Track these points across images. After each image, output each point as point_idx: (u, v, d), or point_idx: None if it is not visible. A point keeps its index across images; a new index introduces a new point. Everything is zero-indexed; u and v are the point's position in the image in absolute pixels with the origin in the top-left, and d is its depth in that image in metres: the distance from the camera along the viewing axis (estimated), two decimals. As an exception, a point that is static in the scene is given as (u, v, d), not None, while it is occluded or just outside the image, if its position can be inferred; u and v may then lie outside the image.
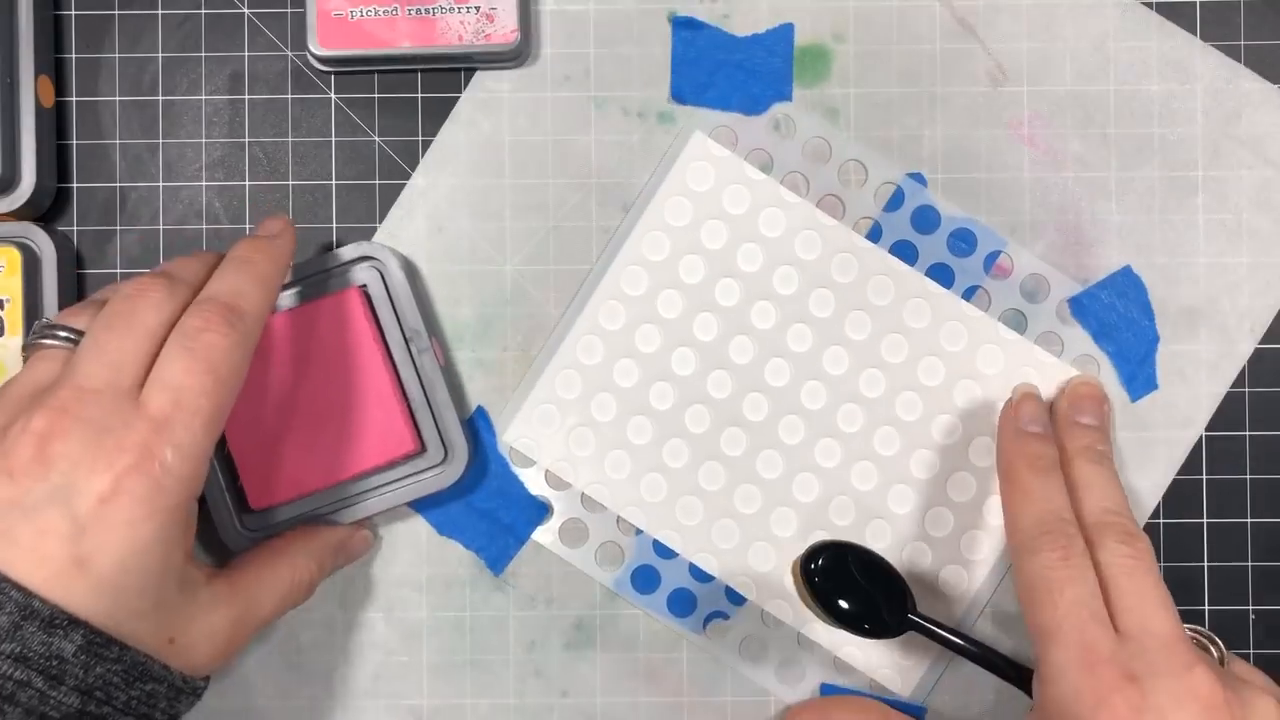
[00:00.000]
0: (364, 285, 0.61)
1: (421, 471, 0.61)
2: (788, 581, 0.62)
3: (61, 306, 0.61)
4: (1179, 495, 0.63)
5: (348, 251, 0.61)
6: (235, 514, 0.60)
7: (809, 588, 0.61)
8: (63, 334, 0.51)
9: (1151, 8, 0.63)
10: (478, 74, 0.63)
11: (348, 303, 0.60)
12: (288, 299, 0.61)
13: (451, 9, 0.61)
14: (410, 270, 0.62)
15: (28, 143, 0.60)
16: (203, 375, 0.49)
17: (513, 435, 0.63)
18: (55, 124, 0.63)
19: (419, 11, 0.61)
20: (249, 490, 0.59)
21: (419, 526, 0.63)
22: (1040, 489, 0.56)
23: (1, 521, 0.46)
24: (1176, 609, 0.53)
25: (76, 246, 0.63)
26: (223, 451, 0.60)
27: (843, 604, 0.60)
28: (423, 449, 0.61)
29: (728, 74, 0.63)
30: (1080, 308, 0.62)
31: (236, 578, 0.55)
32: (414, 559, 0.63)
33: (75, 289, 0.63)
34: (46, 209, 0.63)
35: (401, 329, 0.61)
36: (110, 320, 0.50)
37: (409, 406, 0.60)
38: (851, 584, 0.60)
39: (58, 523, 0.46)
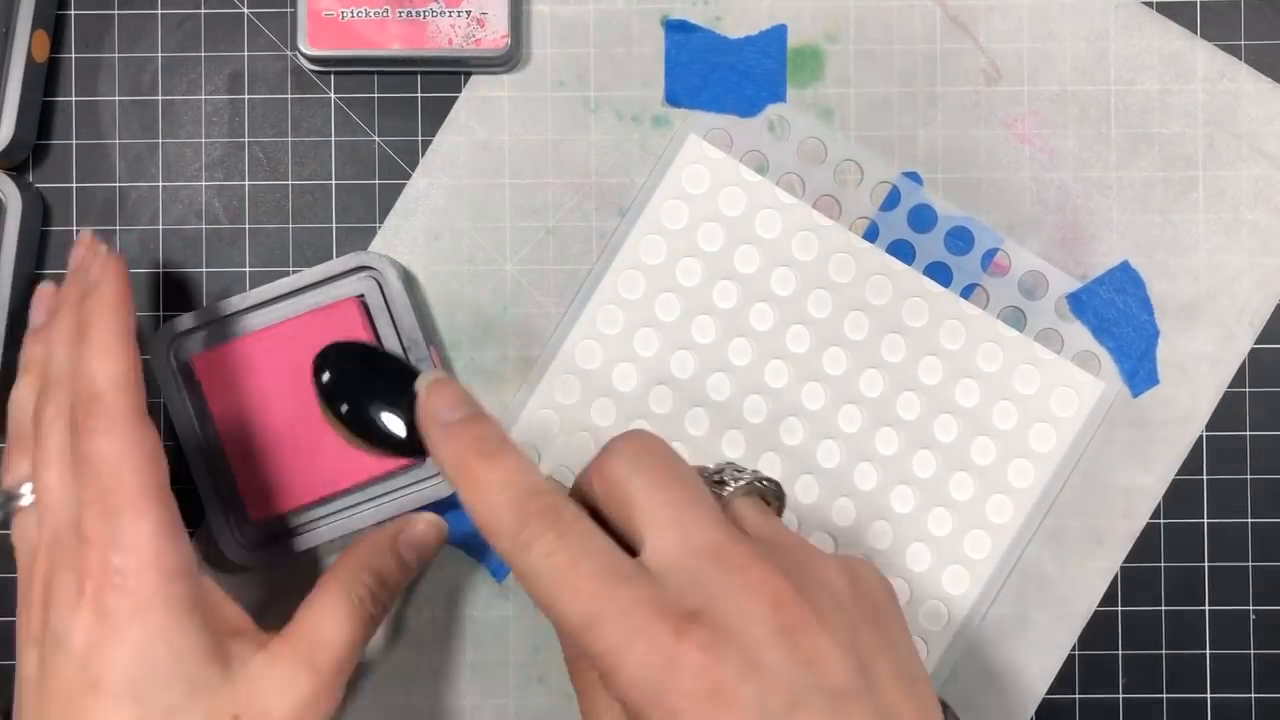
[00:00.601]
0: (361, 295, 0.61)
1: (421, 480, 0.61)
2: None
3: (20, 259, 0.61)
4: (1179, 495, 0.62)
5: (344, 261, 0.60)
6: (235, 528, 0.60)
7: (325, 400, 0.52)
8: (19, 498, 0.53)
9: (1151, 7, 0.63)
10: (473, 78, 0.63)
11: (345, 313, 0.60)
12: (285, 310, 0.60)
13: (442, 12, 0.61)
14: (407, 279, 0.62)
15: (11, 92, 0.60)
16: (113, 481, 0.49)
17: (428, 380, 0.62)
18: (45, 79, 0.63)
19: (409, 14, 0.61)
20: (248, 502, 0.59)
21: (422, 534, 0.63)
22: (497, 471, 0.45)
23: (32, 688, 0.49)
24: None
25: (46, 202, 0.63)
26: (221, 465, 0.60)
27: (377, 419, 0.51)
28: (422, 458, 0.61)
29: (721, 76, 0.63)
30: (1079, 304, 0.62)
31: (291, 627, 0.53)
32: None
33: (37, 244, 0.63)
34: (21, 161, 0.63)
35: (400, 339, 0.60)
36: (37, 460, 0.51)
37: None
38: (370, 393, 0.51)
39: (64, 667, 0.48)
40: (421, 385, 0.49)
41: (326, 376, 0.51)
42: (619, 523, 0.46)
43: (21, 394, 0.56)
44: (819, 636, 0.42)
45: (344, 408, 0.51)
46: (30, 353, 0.57)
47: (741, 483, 0.49)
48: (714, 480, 0.49)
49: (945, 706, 0.47)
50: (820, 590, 0.44)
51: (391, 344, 0.60)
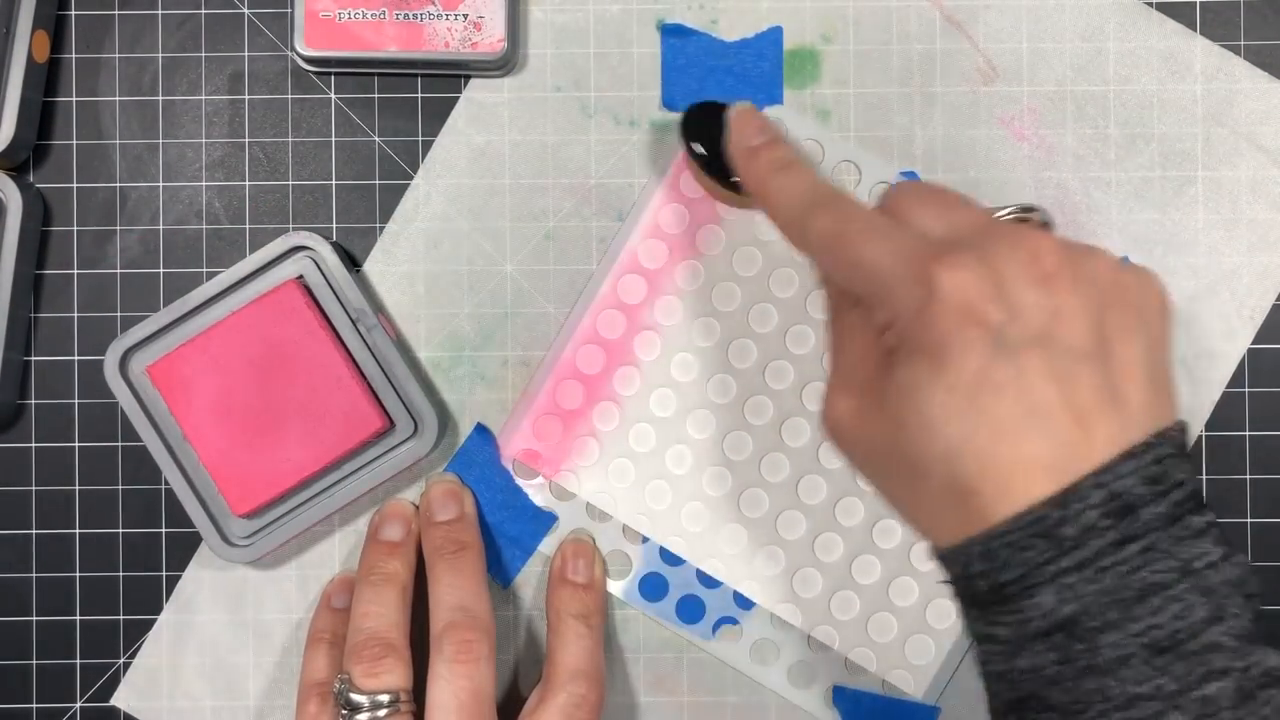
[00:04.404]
0: (300, 275, 0.61)
1: (395, 447, 0.61)
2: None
3: (20, 260, 0.61)
4: None
5: (276, 246, 0.60)
6: (222, 527, 0.60)
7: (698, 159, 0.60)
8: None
9: (1150, 6, 0.62)
10: (471, 81, 0.62)
11: (287, 296, 0.60)
12: (229, 304, 0.60)
13: (439, 15, 0.60)
14: (344, 254, 0.62)
15: (12, 93, 0.60)
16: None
17: (515, 448, 0.62)
18: (45, 79, 0.62)
19: (406, 16, 0.60)
20: (229, 499, 0.59)
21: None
22: (788, 180, 0.54)
23: None
24: None
25: (47, 203, 0.63)
26: (195, 468, 0.60)
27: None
28: (391, 425, 0.61)
29: (718, 79, 0.62)
30: None
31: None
32: (422, 573, 0.62)
33: (37, 244, 0.62)
34: (22, 161, 0.62)
35: (346, 310, 0.60)
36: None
37: (369, 385, 0.60)
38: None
39: None
40: (731, 113, 0.57)
41: (688, 126, 0.60)
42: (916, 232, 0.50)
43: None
44: (1069, 295, 0.44)
45: (697, 148, 0.60)
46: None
47: (1006, 212, 0.54)
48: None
49: (1185, 425, 0.47)
50: (1084, 265, 0.46)
51: (338, 317, 0.60)
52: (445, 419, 0.62)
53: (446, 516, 0.60)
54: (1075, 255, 0.46)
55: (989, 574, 0.43)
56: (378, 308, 0.62)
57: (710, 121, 0.58)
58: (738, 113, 0.57)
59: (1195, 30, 0.62)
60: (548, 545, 0.62)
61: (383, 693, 0.55)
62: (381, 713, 0.55)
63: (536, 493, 0.63)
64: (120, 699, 0.62)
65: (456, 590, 0.58)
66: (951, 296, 0.44)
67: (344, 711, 0.55)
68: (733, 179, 0.57)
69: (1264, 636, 0.43)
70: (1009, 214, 0.53)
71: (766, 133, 0.56)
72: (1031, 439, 0.43)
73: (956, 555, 0.44)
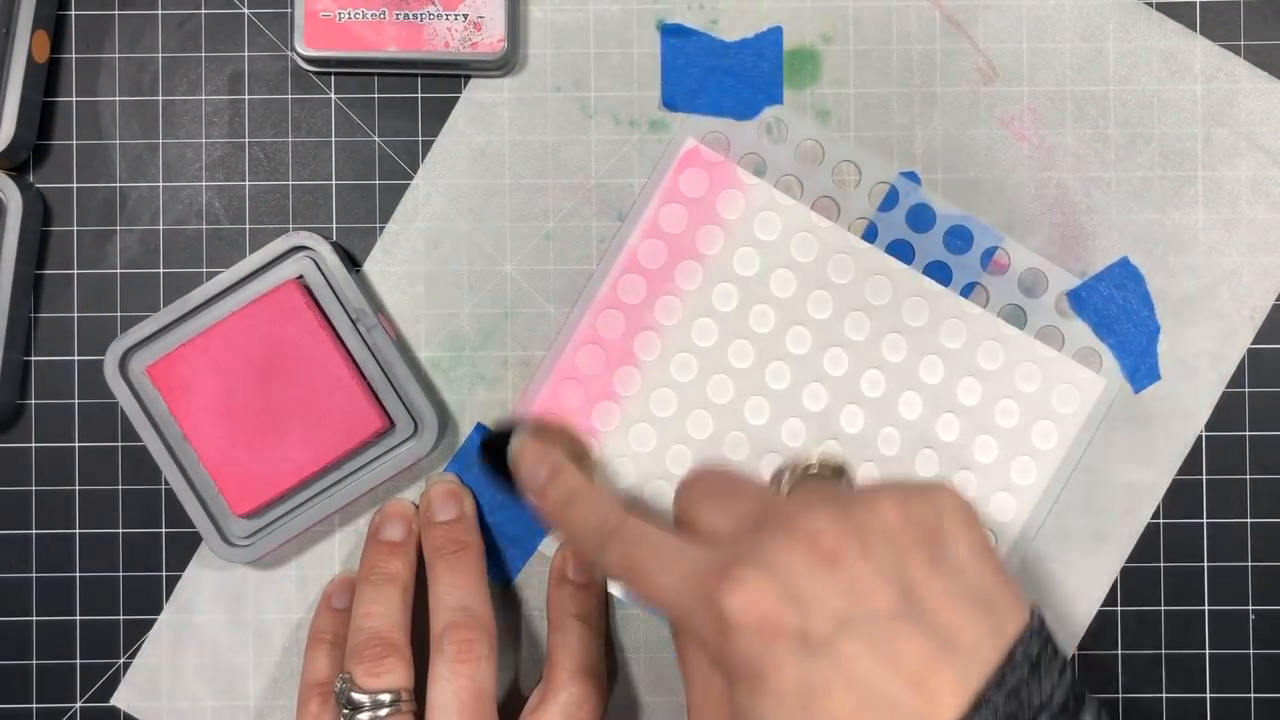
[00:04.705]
0: (300, 276, 0.61)
1: (395, 447, 0.61)
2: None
3: (20, 260, 0.61)
4: (1179, 495, 0.62)
5: (277, 246, 0.60)
6: (222, 527, 0.60)
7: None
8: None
9: (1152, 7, 0.62)
10: (471, 81, 0.62)
11: (287, 296, 0.59)
12: (229, 304, 0.60)
13: (439, 15, 0.60)
14: (344, 254, 0.62)
15: (12, 93, 0.60)
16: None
17: (516, 449, 0.63)
18: (45, 79, 0.62)
19: (406, 16, 0.60)
20: (229, 499, 0.59)
21: (425, 543, 0.62)
22: (577, 514, 0.53)
23: None
24: None
25: (47, 203, 0.63)
26: (195, 468, 0.60)
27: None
28: (391, 425, 0.60)
29: (718, 79, 0.62)
30: (1079, 301, 0.61)
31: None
32: (422, 575, 0.61)
33: (37, 244, 0.62)
34: (22, 161, 0.62)
35: (346, 311, 0.60)
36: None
37: (369, 385, 0.60)
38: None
39: None
40: (513, 452, 0.57)
41: (487, 453, 0.59)
42: (703, 535, 0.50)
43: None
44: (858, 565, 0.44)
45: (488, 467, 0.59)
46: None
47: (792, 470, 0.55)
48: (773, 479, 0.56)
49: (1040, 615, 0.45)
50: (866, 523, 0.45)
51: (338, 317, 0.60)
52: (445, 419, 0.62)
53: (446, 516, 0.60)
54: (854, 519, 0.45)
55: None
56: (378, 308, 0.62)
57: (498, 450, 0.59)
58: (517, 453, 0.56)
59: (1195, 30, 0.62)
60: (548, 545, 0.62)
61: (384, 692, 0.55)
62: (383, 712, 0.55)
63: (536, 493, 0.63)
64: (120, 699, 0.62)
65: (457, 590, 0.58)
66: (743, 617, 0.43)
67: (345, 711, 0.55)
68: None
69: None
70: (798, 475, 0.54)
71: (549, 464, 0.55)
72: None
73: None
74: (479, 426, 0.62)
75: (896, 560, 0.44)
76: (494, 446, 0.58)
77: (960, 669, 0.42)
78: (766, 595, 0.43)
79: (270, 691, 0.63)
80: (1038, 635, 0.44)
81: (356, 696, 0.55)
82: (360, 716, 0.55)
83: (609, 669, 0.62)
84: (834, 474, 0.55)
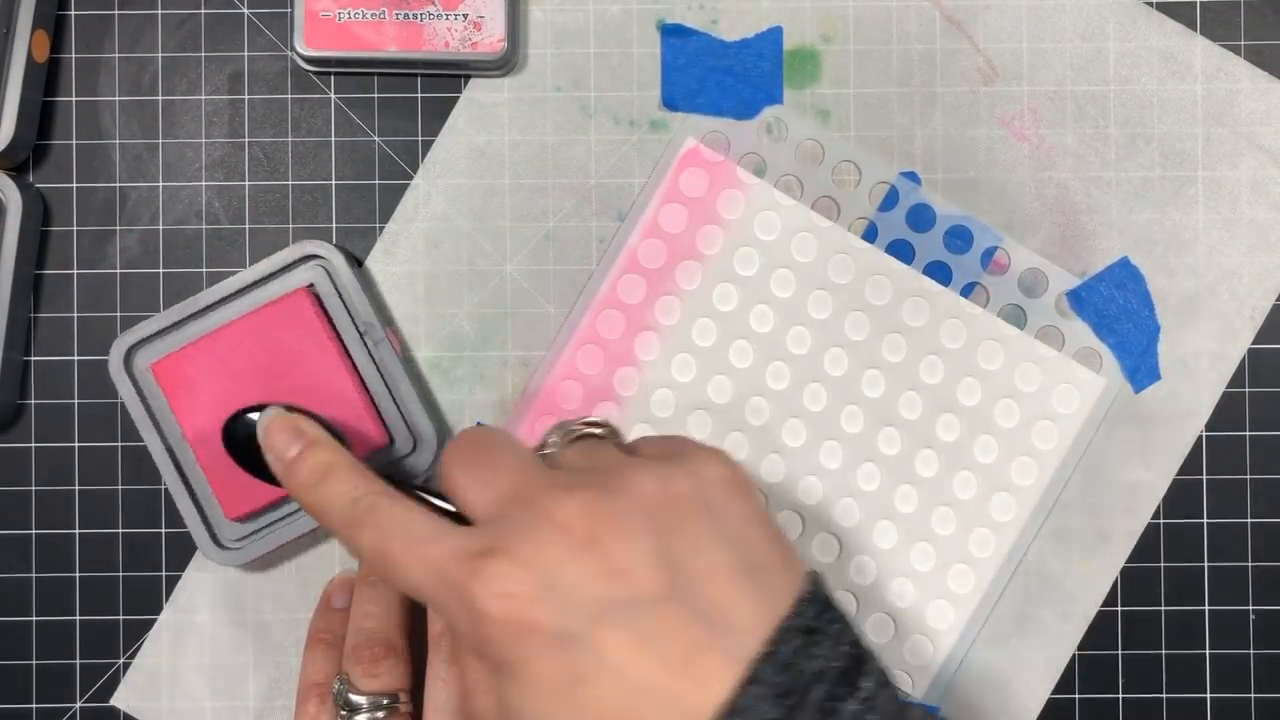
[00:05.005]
0: (311, 284, 0.60)
1: (391, 463, 0.60)
2: None
3: (20, 260, 0.61)
4: (1179, 495, 0.62)
5: (290, 252, 0.60)
6: (213, 529, 0.60)
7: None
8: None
9: (1151, 7, 0.62)
10: (471, 81, 0.62)
11: (297, 304, 0.59)
12: (238, 307, 0.60)
13: (439, 15, 0.60)
14: (356, 264, 0.62)
15: (12, 93, 0.60)
16: None
17: (266, 420, 0.62)
18: (45, 79, 0.62)
19: (406, 16, 0.60)
20: (223, 502, 0.59)
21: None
22: (324, 495, 0.51)
23: None
24: None
25: (46, 203, 0.63)
26: (192, 468, 0.60)
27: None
28: (390, 441, 0.60)
29: (718, 79, 0.62)
30: (1079, 301, 0.61)
31: None
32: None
33: (37, 244, 0.62)
34: (22, 161, 0.62)
35: (355, 323, 0.60)
36: None
37: (372, 400, 0.60)
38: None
39: None
40: (260, 428, 0.54)
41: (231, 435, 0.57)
42: (460, 508, 0.48)
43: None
44: (617, 547, 0.42)
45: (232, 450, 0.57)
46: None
47: (561, 434, 0.51)
48: (540, 447, 0.52)
49: (817, 579, 0.44)
50: (626, 502, 0.44)
51: (345, 328, 0.60)
52: (444, 436, 0.62)
53: None
54: (609, 501, 0.44)
55: None
56: (386, 321, 0.61)
57: (244, 421, 0.57)
58: (267, 426, 0.54)
59: (1195, 30, 0.62)
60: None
61: (381, 694, 0.55)
62: (380, 714, 0.54)
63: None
64: (120, 699, 0.62)
65: None
66: (496, 612, 0.42)
67: (343, 712, 0.55)
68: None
69: None
70: (560, 438, 0.52)
71: (301, 438, 0.53)
72: (645, 714, 0.41)
73: None
74: (478, 425, 0.62)
75: (658, 539, 0.43)
76: (237, 429, 0.56)
77: (729, 649, 0.41)
78: (520, 589, 0.42)
79: (270, 691, 0.62)
80: (812, 602, 0.43)
81: (354, 698, 0.55)
82: (358, 718, 0.54)
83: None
84: (606, 434, 0.52)
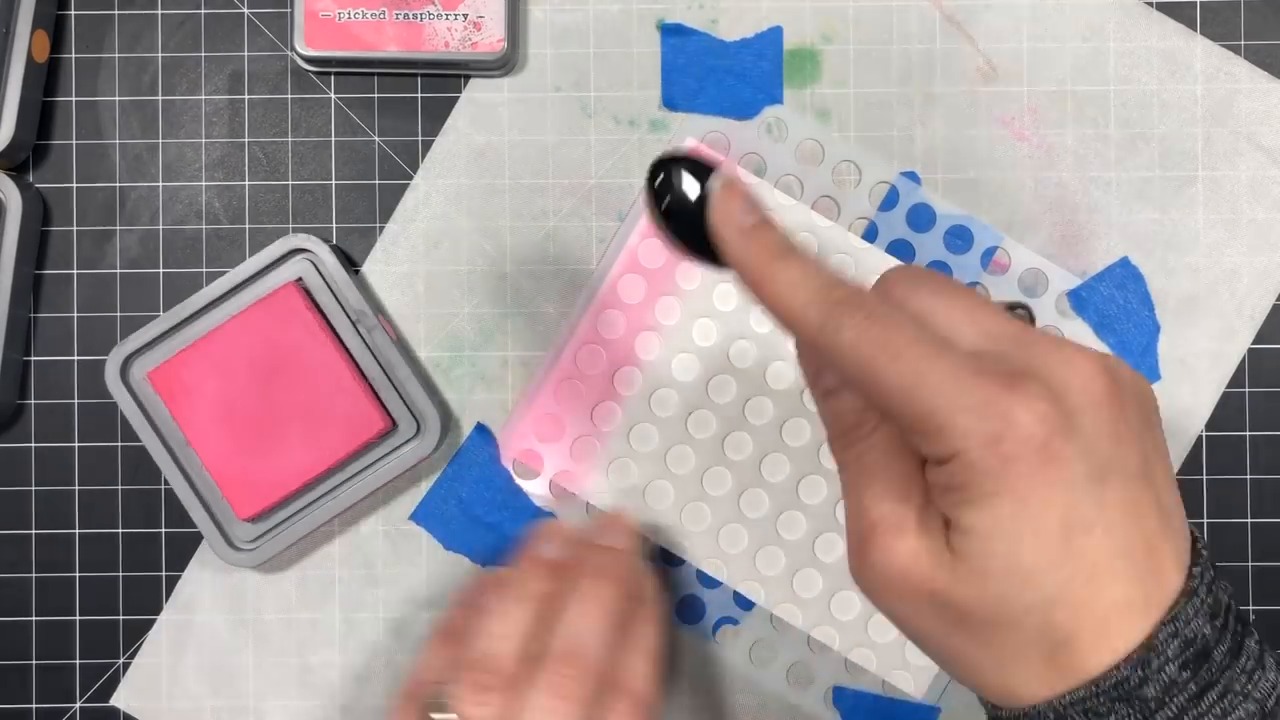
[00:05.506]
0: (299, 278, 0.61)
1: (398, 448, 0.61)
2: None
3: (20, 260, 0.61)
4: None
5: (275, 249, 0.60)
6: (226, 531, 0.60)
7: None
8: None
9: (1150, 5, 0.62)
10: (472, 81, 0.62)
11: (287, 298, 0.60)
12: (228, 308, 0.60)
13: (439, 15, 0.60)
14: (342, 255, 0.62)
15: (12, 93, 0.60)
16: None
17: (516, 448, 0.62)
18: (45, 79, 0.62)
19: (406, 16, 0.60)
20: (233, 503, 0.59)
21: (426, 542, 0.62)
22: (795, 270, 0.43)
23: None
24: None
25: (46, 203, 0.63)
26: (199, 472, 0.60)
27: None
28: (394, 426, 0.60)
29: (718, 79, 0.62)
30: (1080, 301, 0.61)
31: None
32: (421, 574, 0.62)
33: (37, 244, 0.62)
34: (22, 161, 0.62)
35: (346, 312, 0.60)
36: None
37: (371, 387, 0.60)
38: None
39: None
40: (714, 188, 0.46)
41: (658, 180, 0.47)
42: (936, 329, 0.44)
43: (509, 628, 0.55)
44: (1122, 416, 0.41)
45: (664, 212, 0.47)
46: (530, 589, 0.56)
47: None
48: None
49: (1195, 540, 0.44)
50: (1126, 374, 0.43)
51: (338, 319, 0.60)
52: (448, 418, 0.62)
53: (608, 542, 0.59)
54: (1116, 368, 0.42)
55: None
56: (377, 309, 0.62)
57: (679, 177, 0.47)
58: (725, 184, 0.46)
59: (1195, 30, 0.62)
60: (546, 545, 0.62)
61: None
62: None
63: (537, 493, 0.63)
64: (120, 699, 0.62)
65: (577, 618, 0.55)
66: (1028, 432, 0.39)
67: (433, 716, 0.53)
68: (713, 252, 0.46)
69: None
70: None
71: (757, 211, 0.45)
72: (1122, 579, 0.40)
73: (1041, 715, 0.41)
74: (479, 426, 0.62)
75: (1142, 426, 0.42)
76: (668, 176, 0.47)
77: (1176, 545, 0.41)
78: (1054, 418, 0.40)
79: (270, 691, 0.62)
80: (1203, 535, 0.43)
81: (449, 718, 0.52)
82: None
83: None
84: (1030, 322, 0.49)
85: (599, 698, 0.53)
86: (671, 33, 0.62)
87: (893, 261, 0.61)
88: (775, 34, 0.62)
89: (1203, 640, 0.40)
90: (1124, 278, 0.61)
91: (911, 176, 0.62)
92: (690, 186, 0.46)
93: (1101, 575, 0.40)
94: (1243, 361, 0.62)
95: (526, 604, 0.55)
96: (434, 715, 0.53)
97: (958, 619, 0.42)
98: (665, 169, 0.47)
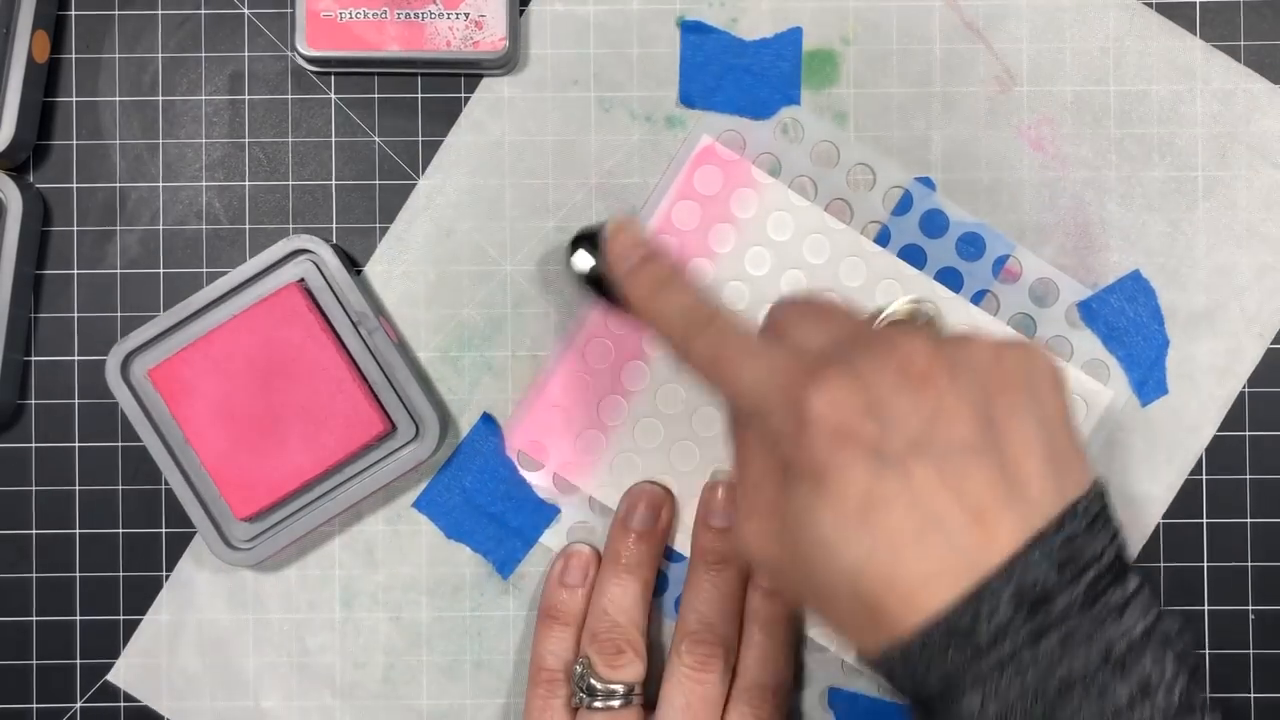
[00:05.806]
0: (301, 279, 0.60)
1: (397, 450, 0.60)
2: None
3: (21, 260, 0.60)
4: (1179, 495, 0.62)
5: (278, 249, 0.60)
6: (224, 530, 0.60)
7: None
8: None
9: (1152, 8, 0.61)
10: (485, 78, 0.62)
11: (289, 299, 0.59)
12: (230, 308, 0.60)
13: (440, 14, 0.59)
14: (344, 256, 0.61)
15: (12, 94, 0.59)
16: None
17: (521, 439, 0.62)
18: (45, 79, 0.61)
19: (408, 15, 0.59)
20: (231, 502, 0.59)
21: (427, 530, 0.62)
22: (667, 300, 0.53)
23: None
24: None
25: (46, 203, 0.62)
26: (198, 471, 0.60)
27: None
28: (393, 428, 0.60)
29: (736, 78, 0.62)
30: (1089, 312, 0.61)
31: None
32: (422, 562, 0.62)
33: (37, 244, 0.62)
34: (22, 161, 0.62)
35: (347, 314, 0.60)
36: None
37: (371, 389, 0.60)
38: None
39: None
40: (609, 229, 0.56)
41: (573, 254, 0.57)
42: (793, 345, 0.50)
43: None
44: (946, 393, 0.44)
45: (582, 266, 0.57)
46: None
47: (889, 318, 0.53)
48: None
49: (1102, 485, 0.46)
50: (960, 357, 0.45)
51: (339, 320, 0.60)
52: (446, 421, 0.62)
53: (720, 524, 0.61)
54: (949, 350, 0.45)
55: (913, 679, 0.43)
56: (379, 310, 0.61)
57: (595, 241, 0.56)
58: (614, 229, 0.55)
59: (1195, 31, 0.62)
60: (549, 538, 0.62)
61: (620, 684, 0.58)
62: (615, 703, 0.58)
63: (540, 485, 0.63)
64: (120, 699, 0.62)
65: (707, 603, 0.60)
66: (823, 417, 0.44)
67: (582, 694, 0.59)
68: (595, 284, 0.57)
69: (1200, 691, 0.43)
70: (896, 312, 0.52)
71: (644, 247, 0.55)
72: (930, 549, 0.42)
73: (880, 664, 0.44)
74: (485, 416, 0.62)
75: (984, 397, 0.44)
76: (582, 240, 0.57)
77: (1021, 513, 0.43)
78: (852, 400, 0.44)
79: (270, 691, 0.62)
80: (1097, 499, 0.45)
81: (595, 684, 0.58)
82: (595, 704, 0.58)
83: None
84: (926, 326, 0.53)
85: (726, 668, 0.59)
86: (691, 30, 0.62)
87: (904, 266, 0.61)
88: (795, 35, 0.62)
89: (1043, 588, 0.42)
90: (1135, 290, 0.61)
91: (926, 182, 0.61)
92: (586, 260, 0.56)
93: (906, 548, 0.43)
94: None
95: (629, 577, 0.60)
96: (580, 685, 0.59)
97: (796, 585, 0.47)
98: (573, 244, 0.57)
